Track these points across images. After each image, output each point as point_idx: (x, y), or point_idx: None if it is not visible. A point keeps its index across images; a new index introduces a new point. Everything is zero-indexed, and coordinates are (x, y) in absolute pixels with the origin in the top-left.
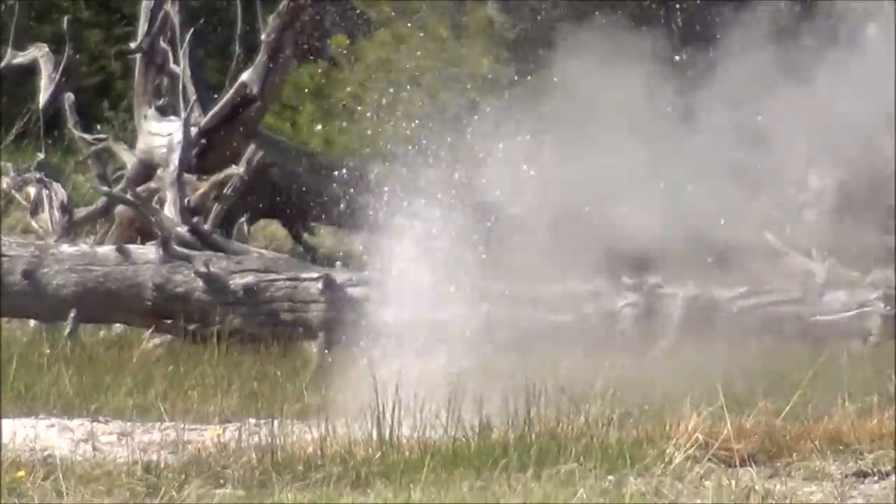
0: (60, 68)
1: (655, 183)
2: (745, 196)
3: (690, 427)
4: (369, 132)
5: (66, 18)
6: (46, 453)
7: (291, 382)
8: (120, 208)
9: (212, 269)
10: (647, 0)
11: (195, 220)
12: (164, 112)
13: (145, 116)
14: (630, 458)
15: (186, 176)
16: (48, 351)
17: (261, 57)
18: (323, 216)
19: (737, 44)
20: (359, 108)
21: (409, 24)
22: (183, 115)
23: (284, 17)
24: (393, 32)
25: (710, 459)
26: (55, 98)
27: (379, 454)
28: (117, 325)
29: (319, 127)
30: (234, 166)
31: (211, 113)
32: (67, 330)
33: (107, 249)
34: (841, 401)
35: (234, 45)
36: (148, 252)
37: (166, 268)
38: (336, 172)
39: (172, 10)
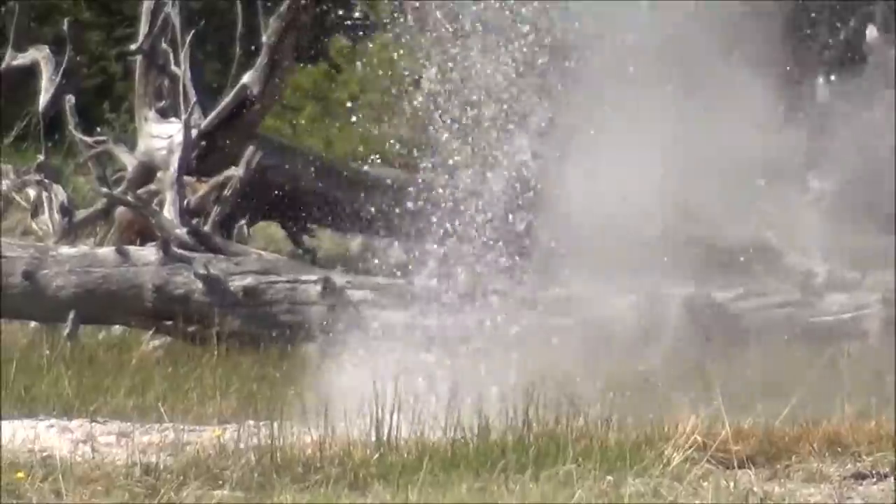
0: (61, 70)
1: (655, 182)
2: (746, 196)
3: (689, 428)
4: (369, 134)
5: (66, 20)
6: (46, 454)
7: (290, 384)
8: (120, 210)
9: (211, 271)
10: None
11: (195, 221)
12: (164, 114)
13: (145, 118)
14: (629, 460)
15: (186, 178)
16: (48, 352)
17: (261, 59)
18: (323, 218)
19: (737, 41)
20: (359, 109)
21: (409, 26)
22: (183, 116)
23: (285, 18)
24: (393, 34)
25: (708, 461)
26: (55, 100)
27: (377, 455)
28: (117, 326)
29: (319, 128)
30: (233, 168)
31: (211, 115)
32: (67, 331)
33: (107, 251)
34: (839, 403)
35: (234, 47)
36: (148, 254)
37: (166, 269)
38: (336, 174)
39: (173, 12)
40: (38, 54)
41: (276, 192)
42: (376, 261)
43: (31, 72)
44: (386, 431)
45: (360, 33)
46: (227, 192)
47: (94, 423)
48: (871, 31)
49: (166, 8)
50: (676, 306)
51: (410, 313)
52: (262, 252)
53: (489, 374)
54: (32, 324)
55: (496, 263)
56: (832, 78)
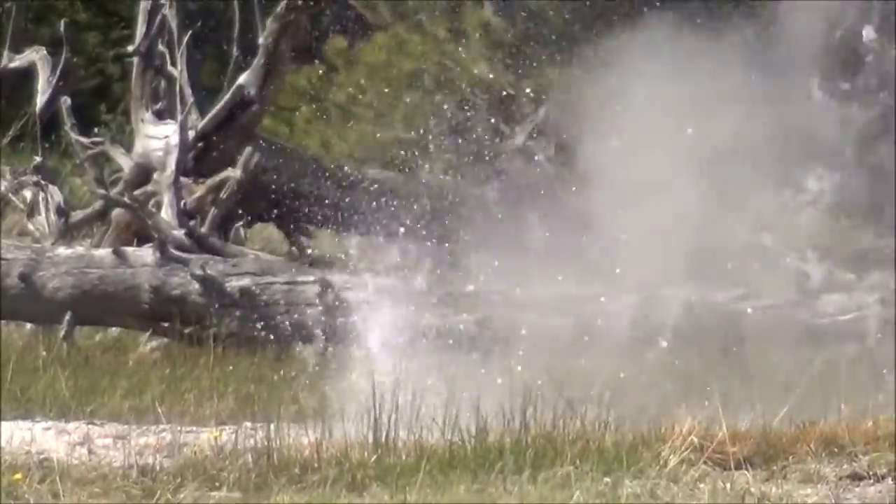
0: (58, 71)
1: (652, 184)
2: (742, 197)
3: (686, 430)
4: (367, 135)
5: (63, 21)
6: (43, 456)
7: (288, 385)
8: (116, 211)
9: (208, 272)
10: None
11: (192, 223)
12: (161, 115)
13: (142, 119)
14: (626, 461)
15: (183, 179)
16: (44, 353)
17: (258, 60)
18: (320, 219)
19: (731, 41)
20: (356, 111)
21: (406, 27)
22: (180, 118)
23: (282, 20)
24: (390, 35)
25: (705, 462)
26: (52, 101)
27: (375, 457)
28: (114, 327)
29: (316, 130)
30: (230, 169)
31: (208, 116)
32: (63, 332)
33: (103, 252)
34: (836, 404)
35: (231, 48)
36: (144, 255)
37: (163, 271)
38: (333, 175)
39: (170, 13)
40: (35, 55)
41: (274, 193)
42: (373, 262)
43: (28, 73)
44: (384, 433)
45: (357, 34)
46: (224, 194)
47: (90, 425)
48: (869, 31)
49: (163, 9)
50: (675, 307)
51: (408, 314)
52: (259, 253)
53: (487, 375)
54: (29, 325)
55: (495, 263)
56: (829, 78)
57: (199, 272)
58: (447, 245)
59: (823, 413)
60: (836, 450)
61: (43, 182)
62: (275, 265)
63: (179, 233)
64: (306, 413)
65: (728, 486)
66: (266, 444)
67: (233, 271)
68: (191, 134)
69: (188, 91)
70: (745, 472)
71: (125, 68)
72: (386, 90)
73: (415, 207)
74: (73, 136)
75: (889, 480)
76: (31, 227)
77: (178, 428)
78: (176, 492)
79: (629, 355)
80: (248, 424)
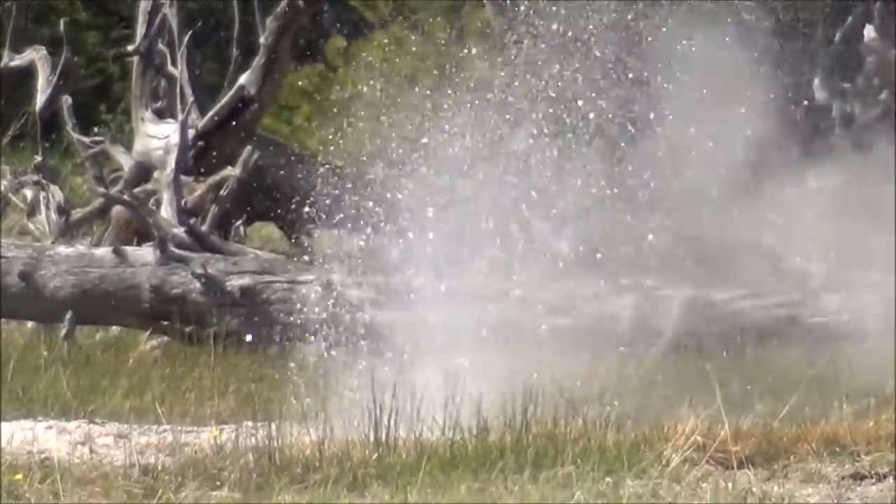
0: (58, 70)
1: (652, 184)
2: (743, 197)
3: (688, 429)
4: (366, 134)
5: (63, 21)
6: (44, 455)
7: (288, 384)
8: (117, 210)
9: (209, 271)
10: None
11: (192, 221)
12: (161, 114)
13: (142, 119)
14: (627, 461)
15: (183, 178)
16: (45, 353)
17: (259, 59)
18: (320, 218)
19: (731, 40)
20: (356, 110)
21: (406, 26)
22: (180, 117)
23: (282, 19)
24: (390, 34)
25: (707, 461)
26: (52, 100)
27: (376, 456)
28: (114, 326)
29: (316, 129)
30: (230, 168)
31: (208, 115)
32: (64, 332)
33: (104, 251)
34: (838, 403)
35: (231, 48)
36: (145, 254)
37: (163, 269)
38: (333, 174)
39: (170, 13)
40: (35, 55)
41: (273, 191)
42: (374, 260)
43: (29, 72)
44: (385, 432)
45: (357, 34)
46: (224, 192)
47: (91, 424)
48: (869, 32)
49: (163, 9)
50: (676, 307)
51: (408, 313)
52: (260, 252)
53: (488, 375)
54: (30, 324)
55: (495, 263)
56: (830, 78)
57: (199, 271)
58: (447, 244)
59: (824, 413)
60: (837, 449)
61: (43, 181)
62: (275, 264)
63: (180, 231)
64: (307, 412)
65: (730, 485)
66: (267, 443)
67: (233, 270)
68: (191, 133)
69: (188, 90)
70: (748, 471)
71: (125, 68)
72: (385, 89)
73: (415, 206)
74: (74, 135)
75: (890, 480)
76: (31, 226)
77: (179, 427)
78: (177, 491)
79: (629, 355)
80: (249, 423)
